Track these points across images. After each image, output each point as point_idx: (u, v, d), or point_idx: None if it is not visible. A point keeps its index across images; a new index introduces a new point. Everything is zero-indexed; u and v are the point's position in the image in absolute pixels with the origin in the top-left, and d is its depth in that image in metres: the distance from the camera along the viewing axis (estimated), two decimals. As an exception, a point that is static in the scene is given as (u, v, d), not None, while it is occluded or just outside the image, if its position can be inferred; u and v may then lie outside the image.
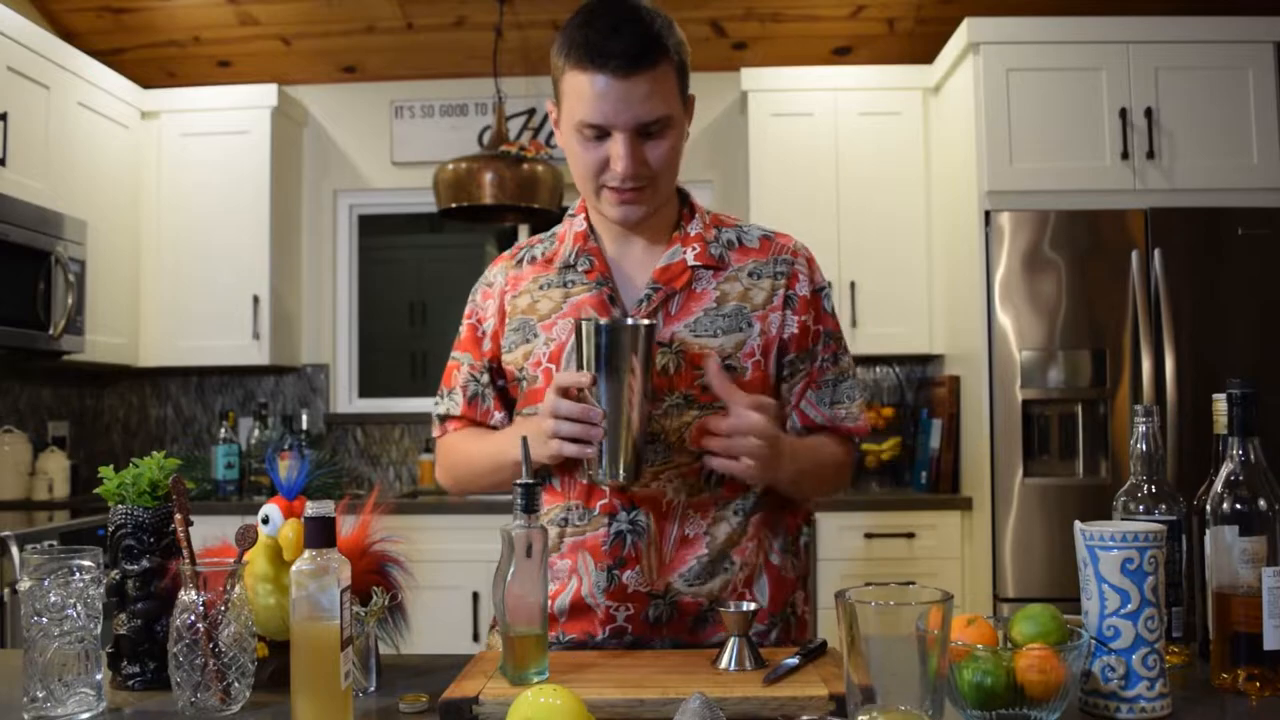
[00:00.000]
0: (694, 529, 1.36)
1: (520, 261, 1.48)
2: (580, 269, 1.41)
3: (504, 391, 1.50)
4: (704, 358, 1.32)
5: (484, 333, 1.49)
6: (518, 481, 1.22)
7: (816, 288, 1.43)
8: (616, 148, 1.29)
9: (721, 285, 1.38)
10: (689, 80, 1.37)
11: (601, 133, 1.30)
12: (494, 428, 1.51)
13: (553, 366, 1.38)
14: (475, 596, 3.43)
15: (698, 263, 1.38)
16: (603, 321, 1.26)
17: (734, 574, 1.37)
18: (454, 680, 1.18)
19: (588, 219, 1.45)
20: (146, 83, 3.97)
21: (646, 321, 1.27)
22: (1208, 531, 1.19)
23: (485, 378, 1.49)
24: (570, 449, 1.24)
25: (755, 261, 1.41)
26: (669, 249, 1.40)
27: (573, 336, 1.30)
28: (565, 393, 1.25)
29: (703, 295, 1.38)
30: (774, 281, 1.40)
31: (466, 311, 1.53)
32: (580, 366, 1.27)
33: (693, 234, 1.40)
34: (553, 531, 1.39)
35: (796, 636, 1.44)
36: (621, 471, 1.27)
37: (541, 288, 1.44)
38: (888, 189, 3.75)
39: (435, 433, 1.58)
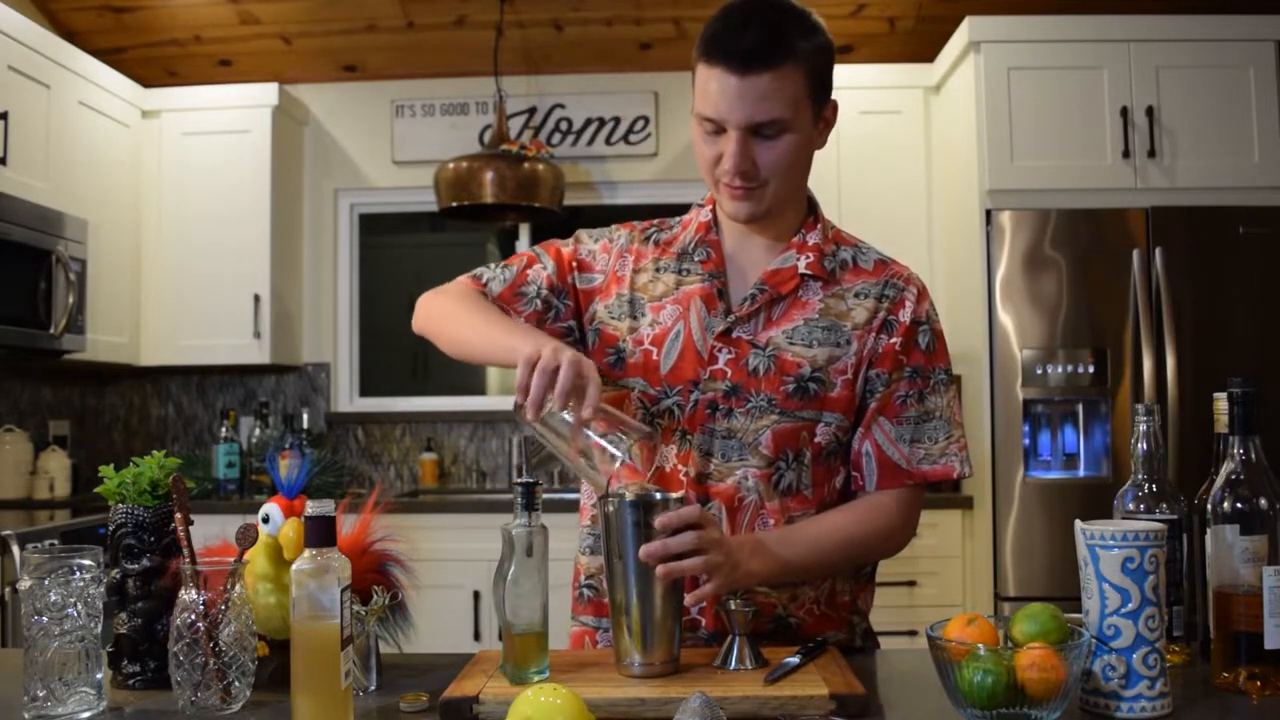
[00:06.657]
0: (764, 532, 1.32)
1: (648, 239, 1.46)
2: (697, 259, 1.41)
3: (551, 311, 1.44)
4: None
5: (577, 265, 1.45)
6: (518, 480, 1.21)
7: (916, 319, 1.39)
8: (728, 144, 1.28)
9: (827, 299, 1.37)
10: (828, 88, 1.34)
11: (717, 128, 1.29)
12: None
13: (654, 349, 1.37)
14: (476, 596, 3.43)
15: (808, 271, 1.37)
16: (630, 497, 1.21)
17: (803, 592, 1.35)
18: (454, 680, 1.18)
19: (714, 211, 1.44)
20: (147, 82, 3.97)
21: (677, 495, 1.25)
22: (1208, 530, 1.18)
23: (545, 291, 1.43)
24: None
25: (865, 282, 1.39)
26: (783, 253, 1.38)
27: (603, 512, 1.22)
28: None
29: (807, 305, 1.37)
30: (878, 303, 1.38)
31: (572, 239, 1.49)
32: (608, 542, 1.22)
33: (810, 243, 1.39)
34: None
35: (862, 644, 1.44)
36: (660, 659, 1.20)
37: (658, 270, 1.42)
38: (888, 187, 3.74)
39: (461, 279, 1.50)
